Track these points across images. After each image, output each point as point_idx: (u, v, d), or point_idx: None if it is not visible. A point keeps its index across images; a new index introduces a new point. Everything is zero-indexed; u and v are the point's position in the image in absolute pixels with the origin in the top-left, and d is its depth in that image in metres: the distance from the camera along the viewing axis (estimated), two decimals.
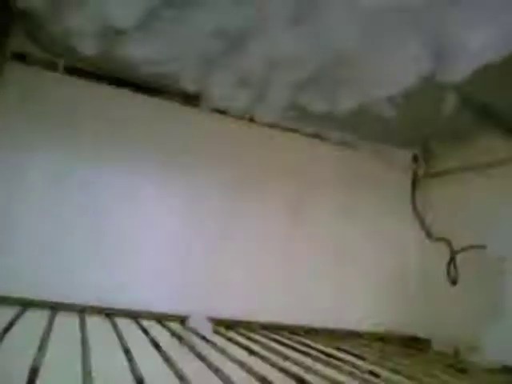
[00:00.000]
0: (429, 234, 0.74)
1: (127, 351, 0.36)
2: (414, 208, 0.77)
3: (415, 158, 0.78)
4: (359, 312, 0.71)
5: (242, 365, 0.36)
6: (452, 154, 0.74)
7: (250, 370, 0.34)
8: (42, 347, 0.34)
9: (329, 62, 0.49)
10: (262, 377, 0.32)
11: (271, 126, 0.69)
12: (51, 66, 0.57)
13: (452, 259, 0.66)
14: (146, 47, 0.48)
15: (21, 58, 0.56)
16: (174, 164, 0.65)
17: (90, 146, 0.61)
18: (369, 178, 0.76)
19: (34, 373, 0.26)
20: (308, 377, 0.35)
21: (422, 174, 0.78)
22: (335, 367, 0.41)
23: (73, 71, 0.58)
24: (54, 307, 0.53)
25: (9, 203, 0.57)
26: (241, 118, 0.66)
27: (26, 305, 0.51)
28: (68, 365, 0.35)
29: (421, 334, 0.70)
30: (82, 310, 0.54)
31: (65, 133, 0.60)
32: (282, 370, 0.36)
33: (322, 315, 0.68)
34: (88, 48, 0.49)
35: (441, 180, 0.74)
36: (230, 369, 0.33)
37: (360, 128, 0.70)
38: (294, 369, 0.37)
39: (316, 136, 0.72)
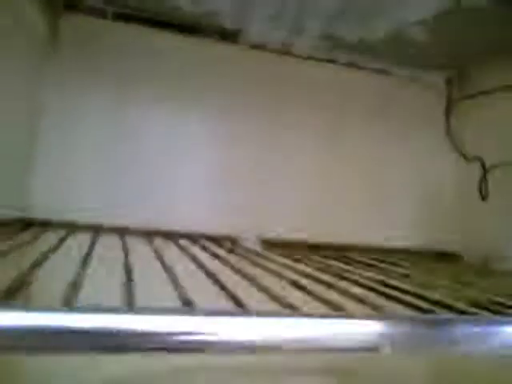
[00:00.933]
0: (462, 155, 0.76)
1: (171, 272, 0.38)
2: (448, 130, 0.80)
3: (449, 81, 0.79)
4: (397, 230, 0.76)
5: (292, 282, 0.38)
6: (486, 76, 0.74)
7: (299, 286, 0.37)
8: (83, 265, 0.36)
9: None
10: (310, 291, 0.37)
11: (307, 57, 0.72)
12: (101, 14, 0.61)
13: (484, 176, 0.69)
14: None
15: (73, 7, 0.61)
16: (213, 101, 0.70)
17: (139, 87, 0.66)
18: (404, 104, 0.78)
19: (74, 286, 0.28)
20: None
21: (457, 97, 0.79)
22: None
23: (120, 17, 0.62)
24: (97, 229, 0.60)
25: (64, 143, 0.64)
26: (277, 51, 0.69)
27: (72, 227, 0.59)
28: (109, 282, 0.37)
29: (454, 249, 0.75)
30: (124, 232, 0.61)
31: (116, 77, 0.65)
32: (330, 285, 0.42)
33: (362, 234, 0.73)
34: None
35: (475, 102, 0.76)
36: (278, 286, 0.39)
37: (394, 54, 0.72)
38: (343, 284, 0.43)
39: (351, 65, 0.75)
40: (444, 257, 0.74)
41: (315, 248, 0.68)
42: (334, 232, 0.72)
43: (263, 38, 0.65)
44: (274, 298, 0.31)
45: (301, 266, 0.48)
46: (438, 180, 0.79)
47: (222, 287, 0.33)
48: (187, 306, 0.26)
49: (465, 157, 0.76)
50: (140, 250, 0.52)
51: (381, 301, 0.35)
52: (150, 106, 0.67)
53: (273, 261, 0.50)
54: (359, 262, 0.57)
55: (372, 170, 0.77)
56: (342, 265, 0.54)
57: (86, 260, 0.39)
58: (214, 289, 0.35)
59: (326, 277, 0.43)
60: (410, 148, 0.79)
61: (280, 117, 0.72)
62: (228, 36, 0.66)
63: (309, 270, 0.46)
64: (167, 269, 0.39)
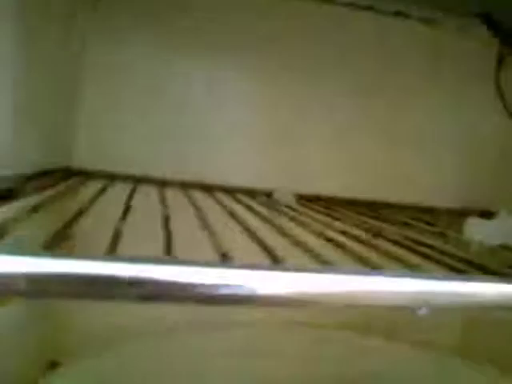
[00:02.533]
0: (510, 113, 0.73)
1: (207, 224, 0.39)
2: (498, 86, 0.76)
3: (502, 35, 0.74)
4: (438, 188, 0.75)
5: (328, 239, 0.38)
6: None
7: (335, 243, 0.38)
8: (124, 214, 0.38)
9: None
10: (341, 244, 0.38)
11: (350, 4, 0.69)
12: None
13: None
14: None
15: None
16: (251, 55, 0.68)
17: (183, 41, 0.65)
18: (452, 56, 0.74)
19: (116, 235, 0.29)
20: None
21: (508, 52, 0.75)
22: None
23: None
24: (138, 180, 0.61)
25: (106, 94, 0.64)
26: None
27: (112, 178, 0.60)
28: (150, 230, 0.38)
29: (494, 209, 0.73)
30: (163, 184, 0.62)
31: (162, 29, 0.64)
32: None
33: (401, 190, 0.72)
34: None
35: None
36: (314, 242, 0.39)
37: (443, 3, 0.68)
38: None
39: (397, 14, 0.71)
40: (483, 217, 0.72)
41: (350, 204, 0.68)
42: (370, 189, 0.72)
43: None
44: (312, 254, 0.32)
45: (336, 223, 0.48)
46: (483, 138, 0.76)
47: (258, 240, 0.34)
48: (224, 259, 0.27)
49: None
50: (178, 202, 0.54)
51: (417, 260, 0.34)
52: (191, 55, 0.66)
53: (308, 216, 0.50)
54: (395, 220, 0.56)
55: (416, 125, 0.75)
56: (377, 222, 0.53)
57: (126, 210, 0.40)
58: (250, 242, 0.35)
59: (361, 234, 0.43)
60: (457, 103, 0.76)
61: (317, 74, 0.70)
62: None
63: (343, 226, 0.46)
64: (204, 221, 0.40)
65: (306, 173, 0.70)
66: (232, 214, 0.45)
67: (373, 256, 0.33)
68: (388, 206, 0.70)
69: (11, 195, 0.37)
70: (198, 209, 0.47)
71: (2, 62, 0.35)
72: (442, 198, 0.74)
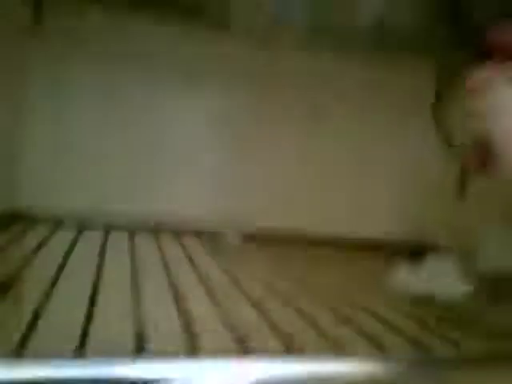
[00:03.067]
0: (448, 144, 0.76)
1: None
2: (436, 116, 0.79)
3: (439, 66, 0.78)
4: (376, 220, 0.78)
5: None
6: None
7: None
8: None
9: None
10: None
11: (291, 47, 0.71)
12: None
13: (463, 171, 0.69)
14: None
15: None
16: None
17: (138, 67, 0.67)
18: (389, 88, 0.77)
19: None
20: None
21: (446, 82, 0.78)
22: None
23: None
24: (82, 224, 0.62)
25: (59, 125, 0.65)
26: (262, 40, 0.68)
27: (57, 222, 0.61)
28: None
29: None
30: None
31: (110, 59, 0.66)
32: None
33: (341, 224, 0.75)
34: None
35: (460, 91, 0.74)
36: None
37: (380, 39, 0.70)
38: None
39: (337, 54, 0.73)
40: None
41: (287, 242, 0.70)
42: (312, 223, 0.74)
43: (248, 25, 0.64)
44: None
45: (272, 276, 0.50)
46: (423, 169, 0.79)
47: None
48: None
49: (450, 145, 0.76)
50: (122, 247, 0.55)
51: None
52: (135, 92, 0.67)
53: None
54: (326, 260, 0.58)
55: (355, 158, 0.77)
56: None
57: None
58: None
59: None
60: (395, 132, 0.79)
61: (264, 105, 0.72)
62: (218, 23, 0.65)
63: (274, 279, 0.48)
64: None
65: (250, 210, 0.72)
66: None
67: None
68: (327, 241, 0.72)
69: None
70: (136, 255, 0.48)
71: None
72: (373, 230, 0.77)
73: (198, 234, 0.66)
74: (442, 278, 0.46)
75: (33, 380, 0.20)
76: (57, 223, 0.61)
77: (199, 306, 0.35)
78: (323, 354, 0.27)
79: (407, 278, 0.47)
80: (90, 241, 0.55)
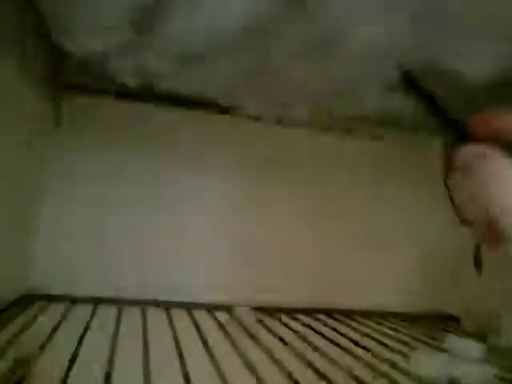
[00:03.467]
0: (461, 219, 0.76)
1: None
2: (448, 192, 0.80)
3: (447, 143, 0.80)
4: (395, 294, 0.77)
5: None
6: None
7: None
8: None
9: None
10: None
11: (299, 127, 0.74)
12: (101, 93, 0.65)
13: (478, 246, 0.69)
14: (180, 81, 0.54)
15: (73, 88, 0.64)
16: (214, 172, 0.72)
17: (136, 160, 0.69)
18: (400, 167, 0.79)
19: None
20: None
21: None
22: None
23: (121, 96, 0.65)
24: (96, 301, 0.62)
25: (62, 219, 0.67)
26: (273, 121, 0.72)
27: (72, 301, 0.61)
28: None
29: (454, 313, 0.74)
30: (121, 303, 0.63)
31: (115, 152, 0.68)
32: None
33: (355, 297, 0.74)
34: (131, 82, 0.56)
35: None
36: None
37: (388, 122, 0.73)
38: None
39: (345, 132, 0.76)
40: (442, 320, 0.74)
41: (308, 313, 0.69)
42: (327, 296, 0.73)
43: (258, 112, 0.67)
44: None
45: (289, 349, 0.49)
46: (438, 244, 0.79)
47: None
48: None
49: (463, 221, 0.76)
50: (137, 324, 0.54)
51: None
52: (148, 178, 0.69)
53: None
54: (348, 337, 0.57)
55: (369, 234, 0.78)
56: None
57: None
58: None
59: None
60: (408, 212, 0.79)
61: (274, 185, 0.74)
62: (226, 110, 0.69)
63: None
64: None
65: (265, 285, 0.72)
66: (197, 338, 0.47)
67: None
68: (343, 312, 0.71)
69: None
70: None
71: None
72: (393, 301, 0.76)
73: (210, 308, 0.66)
74: (465, 361, 0.44)
75: None
76: (72, 300, 0.61)
77: None
78: None
79: (428, 360, 0.45)
80: (104, 318, 0.55)
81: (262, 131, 0.73)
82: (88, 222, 0.67)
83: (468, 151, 0.28)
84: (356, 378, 0.41)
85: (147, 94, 0.65)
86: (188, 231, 0.71)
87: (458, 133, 0.30)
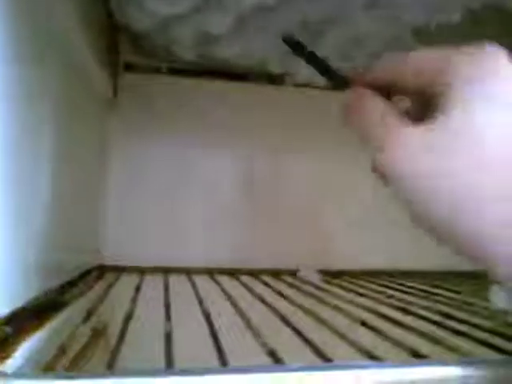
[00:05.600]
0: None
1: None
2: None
3: None
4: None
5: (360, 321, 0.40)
6: None
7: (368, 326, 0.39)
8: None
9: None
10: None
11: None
12: (155, 71, 0.66)
13: None
14: (238, 47, 0.55)
15: (129, 67, 0.66)
16: (261, 142, 0.74)
17: (197, 133, 0.71)
18: None
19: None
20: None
21: None
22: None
23: (174, 72, 0.67)
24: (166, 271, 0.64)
25: (130, 191, 0.69)
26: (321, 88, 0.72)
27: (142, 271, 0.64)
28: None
29: None
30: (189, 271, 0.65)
31: (173, 125, 0.70)
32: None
33: (419, 257, 0.74)
34: (188, 53, 0.58)
35: None
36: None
37: None
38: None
39: None
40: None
41: (370, 275, 0.70)
42: (390, 257, 0.74)
43: (308, 79, 0.68)
44: (349, 342, 0.33)
45: (362, 300, 0.50)
46: None
47: (296, 331, 0.36)
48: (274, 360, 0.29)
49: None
50: (208, 290, 0.56)
51: (453, 339, 0.36)
52: (198, 150, 0.71)
53: (334, 295, 0.52)
54: (418, 289, 0.58)
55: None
56: (401, 295, 0.55)
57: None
58: (288, 332, 0.37)
59: (389, 311, 0.45)
60: None
61: (334, 152, 0.75)
62: (274, 80, 0.70)
63: (371, 303, 0.48)
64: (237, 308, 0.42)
65: (328, 249, 0.73)
66: (263, 301, 0.47)
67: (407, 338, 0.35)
68: (406, 273, 0.71)
69: (56, 306, 0.40)
70: (229, 297, 0.49)
71: (38, 163, 0.38)
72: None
73: (276, 273, 0.67)
74: None
75: None
76: (142, 271, 0.63)
77: None
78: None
79: (507, 297, 0.46)
80: (174, 287, 0.57)
81: (307, 99, 0.74)
82: (156, 194, 0.69)
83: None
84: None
85: (199, 70, 0.67)
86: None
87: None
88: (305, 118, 0.74)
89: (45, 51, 0.36)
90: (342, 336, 0.35)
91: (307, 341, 0.33)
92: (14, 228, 0.31)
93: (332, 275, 0.68)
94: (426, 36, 0.56)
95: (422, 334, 0.36)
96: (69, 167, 0.46)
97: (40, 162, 0.37)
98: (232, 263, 0.68)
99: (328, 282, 0.63)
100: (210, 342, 0.32)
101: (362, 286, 0.60)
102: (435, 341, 0.35)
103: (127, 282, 0.59)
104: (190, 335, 0.37)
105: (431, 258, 0.74)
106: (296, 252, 0.71)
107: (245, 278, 0.63)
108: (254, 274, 0.66)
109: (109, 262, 0.65)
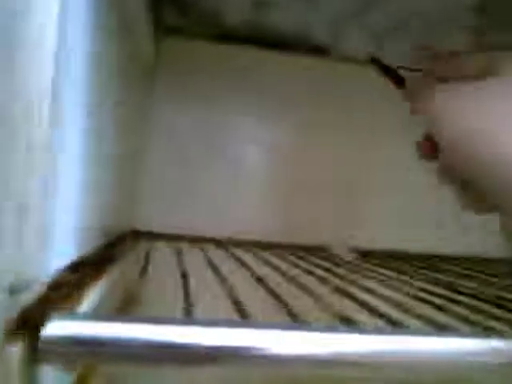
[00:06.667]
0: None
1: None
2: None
3: None
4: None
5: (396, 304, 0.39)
6: None
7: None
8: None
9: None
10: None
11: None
12: (200, 36, 0.65)
13: None
14: (287, 14, 0.53)
15: (173, 31, 0.65)
16: (295, 114, 0.72)
17: (228, 101, 0.70)
18: None
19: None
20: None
21: None
22: None
23: (216, 38, 0.66)
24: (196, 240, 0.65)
25: (165, 160, 0.69)
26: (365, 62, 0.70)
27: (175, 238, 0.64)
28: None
29: None
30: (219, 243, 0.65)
31: (209, 93, 0.69)
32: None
33: (450, 242, 0.73)
34: (235, 18, 0.57)
35: None
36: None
37: None
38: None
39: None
40: None
41: (403, 258, 0.69)
42: (422, 240, 0.73)
43: (354, 52, 0.66)
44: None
45: (398, 283, 0.49)
46: None
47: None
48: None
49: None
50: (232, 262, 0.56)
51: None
52: (237, 118, 0.70)
53: (368, 275, 0.52)
54: (458, 272, 0.57)
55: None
56: (445, 277, 0.54)
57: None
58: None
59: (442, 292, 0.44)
60: None
61: (369, 131, 0.73)
62: (319, 50, 0.68)
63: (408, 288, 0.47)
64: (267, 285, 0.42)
65: (361, 226, 0.72)
66: (293, 279, 0.47)
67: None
68: (440, 257, 0.71)
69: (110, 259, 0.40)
70: (253, 271, 0.49)
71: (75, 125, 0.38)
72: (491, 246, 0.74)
73: (308, 249, 0.67)
74: None
75: None
76: (173, 238, 0.64)
77: None
78: None
79: None
80: (203, 256, 0.57)
81: (351, 73, 0.72)
82: (192, 163, 0.69)
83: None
84: None
85: (242, 36, 0.65)
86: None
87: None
88: (341, 91, 0.72)
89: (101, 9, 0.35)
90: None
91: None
92: (72, 198, 0.31)
93: (364, 254, 0.67)
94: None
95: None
96: (111, 134, 0.46)
97: (84, 128, 0.36)
98: (267, 235, 0.68)
99: (362, 260, 0.62)
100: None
101: (400, 267, 0.59)
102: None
103: (158, 249, 0.59)
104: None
105: (463, 244, 0.73)
106: (326, 228, 0.71)
107: (275, 252, 0.64)
108: (284, 248, 0.66)
109: (143, 227, 0.66)
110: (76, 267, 0.31)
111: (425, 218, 0.74)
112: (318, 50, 0.67)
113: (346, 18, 0.55)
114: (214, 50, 0.67)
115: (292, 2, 0.51)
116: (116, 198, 0.52)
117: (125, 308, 0.32)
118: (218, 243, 0.65)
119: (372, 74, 0.71)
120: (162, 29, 0.65)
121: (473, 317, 0.34)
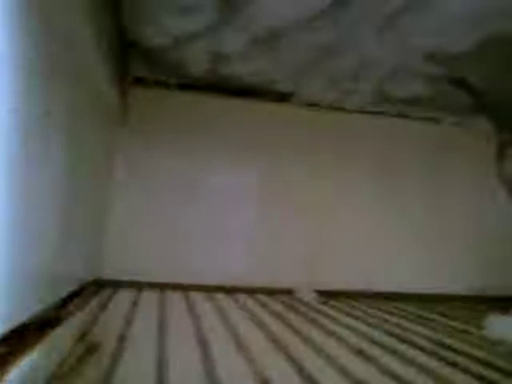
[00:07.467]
0: None
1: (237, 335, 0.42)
2: (500, 173, 0.79)
3: (499, 125, 0.80)
4: (453, 277, 0.77)
5: (357, 351, 0.40)
6: None
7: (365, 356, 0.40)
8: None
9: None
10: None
11: (359, 112, 0.75)
12: (167, 86, 0.68)
13: None
14: (248, 66, 0.56)
15: (141, 81, 0.67)
16: (265, 157, 0.74)
17: (204, 148, 0.72)
18: (453, 149, 0.80)
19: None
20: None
21: (507, 140, 0.79)
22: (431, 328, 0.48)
23: (182, 87, 0.68)
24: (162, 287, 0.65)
25: (142, 203, 0.69)
26: (329, 108, 0.73)
27: (139, 287, 0.64)
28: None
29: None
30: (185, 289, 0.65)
31: (180, 139, 0.71)
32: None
33: (413, 281, 0.75)
34: (199, 69, 0.59)
35: None
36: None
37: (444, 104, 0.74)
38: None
39: (400, 115, 0.77)
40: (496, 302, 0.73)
41: (368, 297, 0.70)
42: (389, 280, 0.74)
43: (316, 99, 0.69)
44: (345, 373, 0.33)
45: (360, 325, 0.49)
46: (492, 225, 0.79)
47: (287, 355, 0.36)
48: None
49: None
50: (203, 307, 0.56)
51: (449, 373, 0.36)
52: (203, 163, 0.72)
53: (332, 319, 0.52)
54: (413, 314, 0.58)
55: (425, 219, 0.79)
56: (397, 320, 0.55)
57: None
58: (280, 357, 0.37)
59: (386, 338, 0.45)
60: (463, 193, 0.80)
61: (338, 171, 0.76)
62: (282, 98, 0.71)
63: (366, 329, 0.48)
64: (230, 327, 0.42)
65: (324, 269, 0.73)
66: (258, 324, 0.47)
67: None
68: (405, 297, 0.72)
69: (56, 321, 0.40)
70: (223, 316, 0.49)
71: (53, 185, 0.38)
72: (457, 286, 0.76)
73: (269, 292, 0.67)
74: None
75: None
76: (139, 286, 0.64)
77: None
78: None
79: (504, 326, 0.46)
80: (170, 302, 0.57)
81: (315, 118, 0.74)
82: (154, 213, 0.70)
83: None
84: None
85: (207, 85, 0.68)
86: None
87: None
88: (308, 134, 0.75)
89: (58, 64, 0.36)
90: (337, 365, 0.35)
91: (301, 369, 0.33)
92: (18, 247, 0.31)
93: (328, 296, 0.68)
94: (439, 61, 0.57)
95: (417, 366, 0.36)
96: (76, 180, 0.46)
97: (47, 172, 0.37)
98: (228, 281, 0.69)
99: (324, 303, 0.63)
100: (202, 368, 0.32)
101: (360, 309, 0.60)
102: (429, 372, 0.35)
103: (123, 297, 0.59)
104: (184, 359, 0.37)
105: (429, 283, 0.75)
106: (293, 271, 0.72)
107: (241, 297, 0.64)
108: (249, 292, 0.67)
109: (107, 276, 0.66)
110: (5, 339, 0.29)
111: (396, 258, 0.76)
112: (281, 97, 0.70)
113: (307, 67, 0.57)
114: (180, 98, 0.69)
115: (252, 55, 0.54)
116: (78, 249, 0.52)
117: (84, 357, 0.32)
118: (177, 287, 0.65)
119: (334, 118, 0.74)
120: (131, 79, 0.66)
121: None
